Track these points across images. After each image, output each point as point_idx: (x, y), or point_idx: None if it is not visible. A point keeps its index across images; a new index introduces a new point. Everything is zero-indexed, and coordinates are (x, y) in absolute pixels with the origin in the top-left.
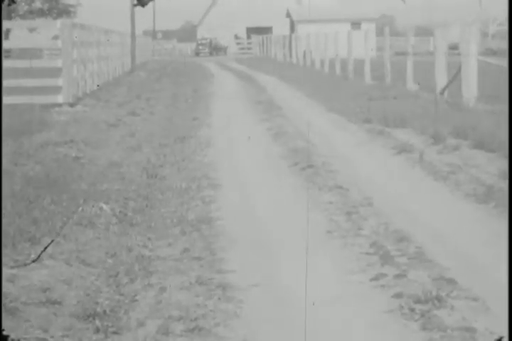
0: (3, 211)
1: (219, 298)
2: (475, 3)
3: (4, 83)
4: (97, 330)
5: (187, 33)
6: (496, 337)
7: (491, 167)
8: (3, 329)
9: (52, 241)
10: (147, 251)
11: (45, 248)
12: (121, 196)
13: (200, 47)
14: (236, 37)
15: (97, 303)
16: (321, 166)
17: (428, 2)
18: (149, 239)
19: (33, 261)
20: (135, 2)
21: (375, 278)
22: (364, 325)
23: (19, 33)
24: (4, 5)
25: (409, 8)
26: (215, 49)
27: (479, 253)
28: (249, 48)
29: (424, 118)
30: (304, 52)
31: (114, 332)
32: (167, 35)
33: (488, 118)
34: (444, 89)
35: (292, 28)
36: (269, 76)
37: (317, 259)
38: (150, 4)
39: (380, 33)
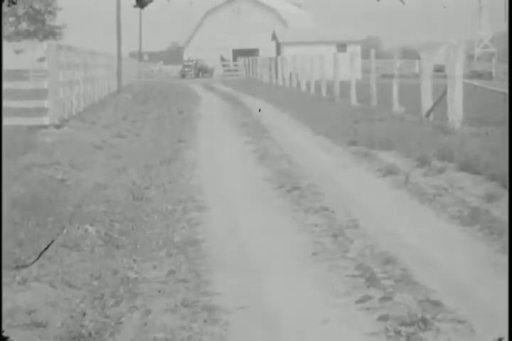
0: None
1: (205, 321)
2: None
3: None
4: None
5: (173, 54)
6: None
7: (476, 189)
8: (3, 331)
9: (52, 241)
10: (133, 273)
11: (45, 249)
12: (107, 218)
13: (186, 69)
14: (222, 59)
15: (82, 326)
16: (306, 188)
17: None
18: (135, 261)
19: (33, 262)
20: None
21: (361, 301)
22: None
23: (5, 55)
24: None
25: (395, 30)
26: (201, 71)
27: (465, 276)
28: (235, 70)
29: (410, 141)
30: (290, 74)
31: None
32: (153, 56)
33: (473, 141)
34: (429, 112)
35: (278, 50)
36: (255, 98)
37: (303, 282)
38: (136, 26)
39: (366, 55)
